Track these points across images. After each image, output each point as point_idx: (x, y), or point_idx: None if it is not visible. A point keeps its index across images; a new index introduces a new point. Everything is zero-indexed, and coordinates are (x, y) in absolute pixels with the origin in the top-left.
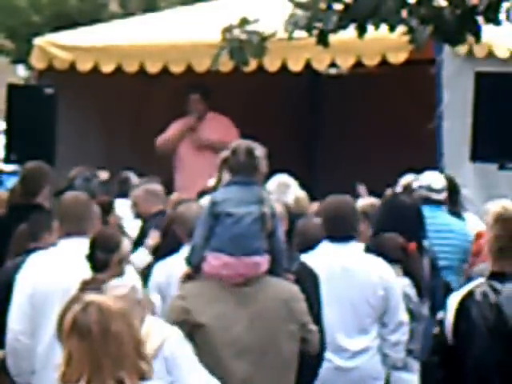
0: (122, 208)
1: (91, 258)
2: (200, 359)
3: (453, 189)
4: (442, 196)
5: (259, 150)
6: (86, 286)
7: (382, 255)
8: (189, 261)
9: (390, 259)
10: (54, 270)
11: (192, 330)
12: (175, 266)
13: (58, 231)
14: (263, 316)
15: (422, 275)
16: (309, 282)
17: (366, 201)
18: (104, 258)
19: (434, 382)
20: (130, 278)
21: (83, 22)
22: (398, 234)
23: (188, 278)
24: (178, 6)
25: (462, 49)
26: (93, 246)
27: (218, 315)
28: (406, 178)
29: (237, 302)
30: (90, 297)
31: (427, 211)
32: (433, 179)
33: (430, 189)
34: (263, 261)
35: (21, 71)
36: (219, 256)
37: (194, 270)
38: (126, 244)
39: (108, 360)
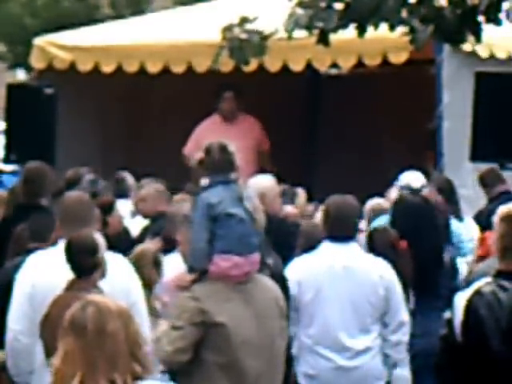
0: (118, 208)
1: (75, 262)
2: (216, 359)
3: (451, 189)
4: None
5: (232, 146)
6: (73, 287)
7: (372, 248)
8: (193, 267)
9: (378, 253)
10: (53, 270)
11: (208, 331)
12: (169, 265)
13: (59, 231)
14: (263, 313)
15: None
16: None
17: None
18: (92, 261)
19: (447, 382)
20: (131, 279)
21: (77, 24)
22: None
23: (194, 283)
24: (170, 7)
25: (465, 47)
26: (75, 250)
27: (232, 314)
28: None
29: (243, 301)
30: (90, 296)
31: None
32: (411, 178)
33: (409, 188)
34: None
35: (21, 75)
36: (229, 257)
37: (200, 274)
38: (102, 240)
39: (102, 359)
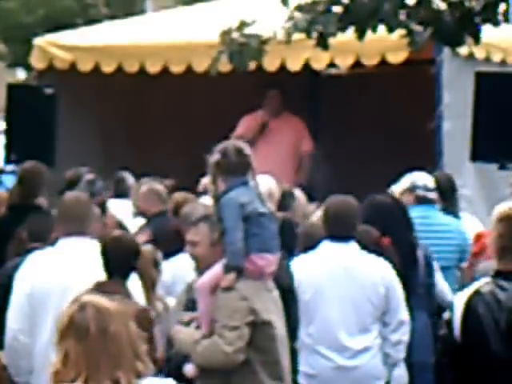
0: (118, 208)
1: (114, 263)
2: (262, 357)
3: (451, 188)
4: (435, 195)
5: (247, 148)
6: (102, 288)
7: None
8: (233, 266)
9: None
10: (53, 270)
11: (256, 330)
12: (181, 265)
13: (58, 231)
14: (280, 309)
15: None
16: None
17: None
18: (132, 265)
19: (446, 382)
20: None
21: (73, 23)
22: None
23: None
24: (170, 7)
25: (463, 50)
26: (117, 252)
27: (271, 311)
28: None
29: (270, 298)
30: (87, 297)
31: (424, 211)
32: (427, 179)
33: (426, 188)
34: None
35: (20, 74)
36: (264, 256)
37: (238, 273)
38: None
39: (106, 360)
